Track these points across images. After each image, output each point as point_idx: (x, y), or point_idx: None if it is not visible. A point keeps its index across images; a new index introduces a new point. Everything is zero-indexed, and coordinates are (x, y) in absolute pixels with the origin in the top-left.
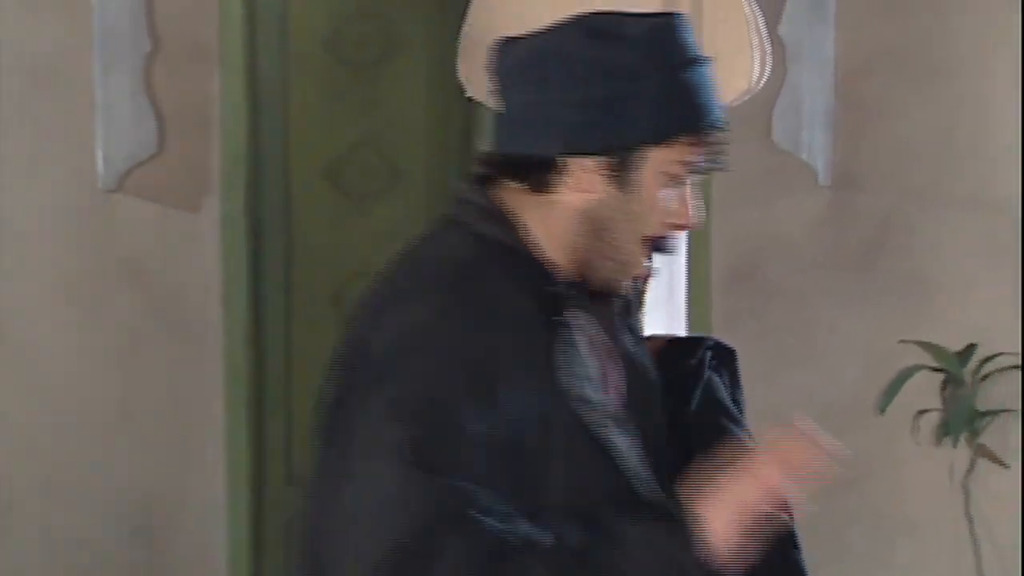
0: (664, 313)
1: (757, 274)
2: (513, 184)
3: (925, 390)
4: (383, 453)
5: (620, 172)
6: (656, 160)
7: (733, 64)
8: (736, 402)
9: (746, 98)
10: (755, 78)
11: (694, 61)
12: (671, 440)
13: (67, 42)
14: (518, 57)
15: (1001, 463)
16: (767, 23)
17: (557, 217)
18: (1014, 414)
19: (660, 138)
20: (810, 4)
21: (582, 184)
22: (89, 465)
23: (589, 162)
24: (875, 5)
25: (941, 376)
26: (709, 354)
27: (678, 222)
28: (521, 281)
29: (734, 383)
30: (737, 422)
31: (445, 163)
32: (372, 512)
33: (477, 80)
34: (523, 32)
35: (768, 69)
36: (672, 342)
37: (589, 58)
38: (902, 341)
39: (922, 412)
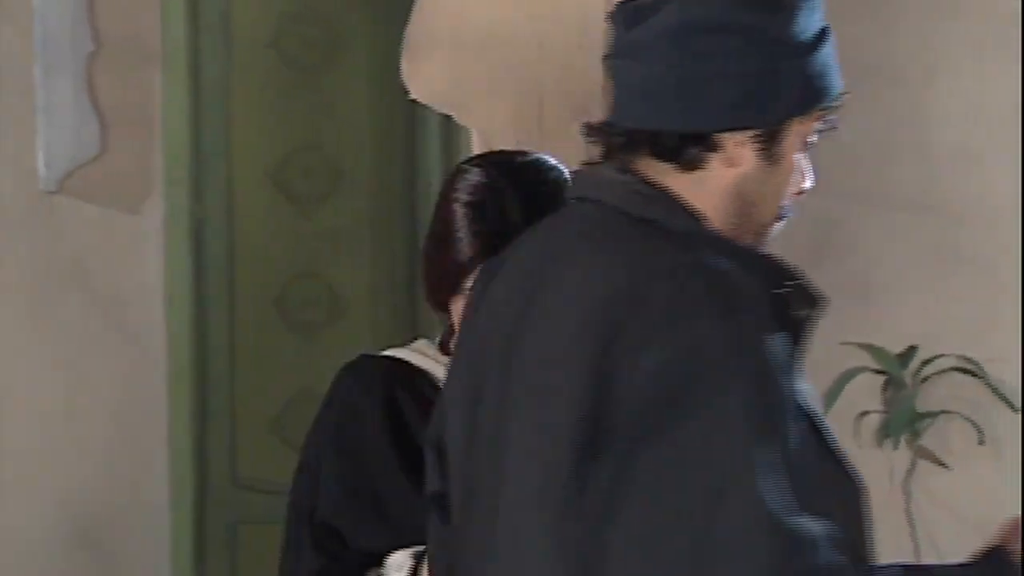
0: None
1: None
2: (657, 163)
3: (866, 392)
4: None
5: (769, 143)
6: (798, 129)
7: None
8: None
9: None
10: None
11: (827, 28)
12: None
13: (8, 44)
14: (660, 27)
15: (942, 464)
16: None
17: (708, 195)
18: (955, 416)
19: (810, 107)
20: None
21: (733, 159)
22: (31, 466)
23: (741, 135)
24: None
25: (882, 378)
26: None
27: (802, 188)
28: (753, 279)
29: None
30: None
31: (389, 165)
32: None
33: (421, 82)
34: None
35: None
36: None
37: (747, 28)
38: (843, 343)
39: (863, 414)
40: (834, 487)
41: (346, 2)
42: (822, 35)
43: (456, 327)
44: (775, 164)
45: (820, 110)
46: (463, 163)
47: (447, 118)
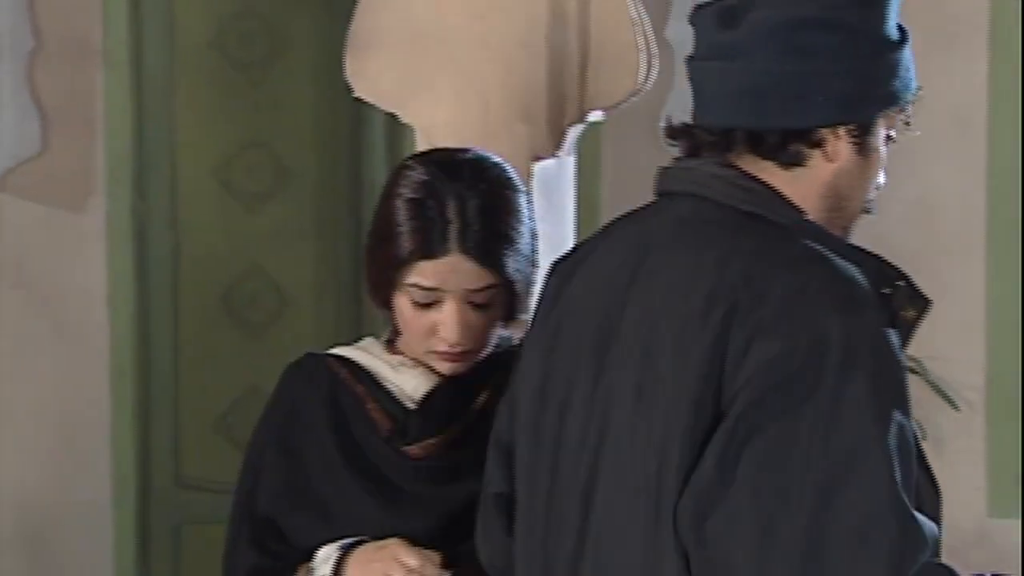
0: None
1: None
2: (756, 159)
3: None
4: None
5: (863, 137)
6: (884, 123)
7: (620, 65)
8: None
9: (633, 99)
10: (642, 79)
11: (903, 26)
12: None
13: None
14: (761, 26)
15: None
16: (654, 25)
17: (805, 190)
18: None
19: (898, 101)
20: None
21: (832, 154)
22: None
23: (842, 130)
24: None
25: None
26: None
27: (882, 183)
28: (864, 275)
29: None
30: None
31: (334, 163)
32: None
33: (365, 80)
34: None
35: (655, 71)
36: None
37: (846, 24)
38: None
39: None
40: (923, 489)
41: (289, 0)
42: (903, 32)
43: (399, 326)
44: (867, 158)
45: (904, 104)
46: (405, 160)
47: (392, 116)
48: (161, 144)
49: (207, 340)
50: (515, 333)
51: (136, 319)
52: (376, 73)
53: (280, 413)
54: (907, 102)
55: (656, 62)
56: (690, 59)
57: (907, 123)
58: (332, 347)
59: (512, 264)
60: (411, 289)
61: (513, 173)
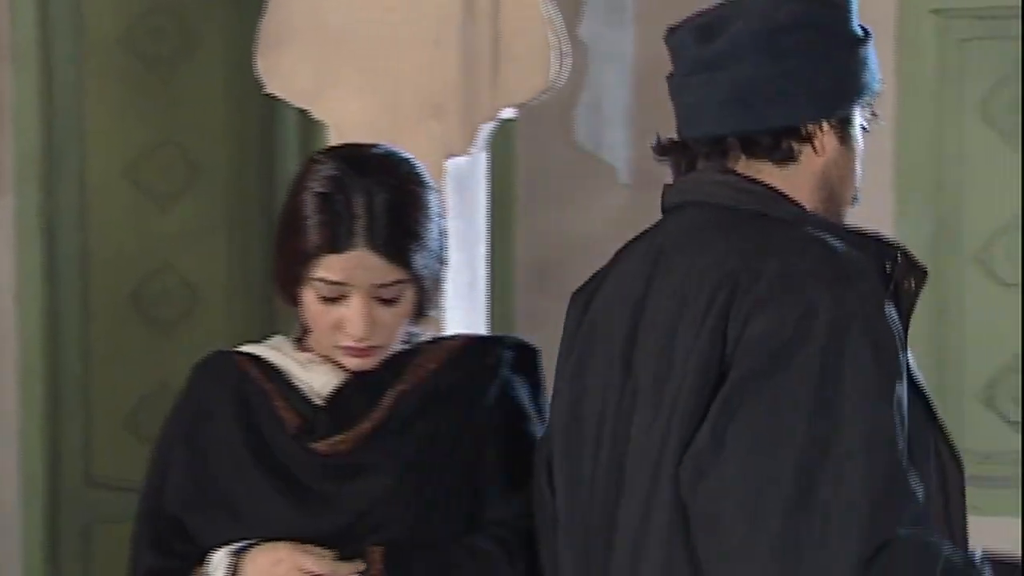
0: (465, 312)
1: (560, 273)
2: (752, 162)
3: None
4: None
5: (845, 128)
6: (860, 114)
7: (531, 63)
8: (536, 403)
9: (544, 97)
10: (553, 77)
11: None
12: (463, 440)
13: None
14: (744, 35)
15: None
16: (567, 23)
17: (800, 184)
18: None
19: (870, 91)
20: (608, 5)
21: (820, 147)
22: None
23: (826, 124)
24: (672, 6)
25: None
26: (509, 354)
27: (860, 173)
28: (862, 254)
29: (535, 383)
30: (532, 423)
31: (246, 160)
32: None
33: (276, 76)
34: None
35: (566, 68)
36: (472, 341)
37: (821, 24)
38: None
39: None
40: (936, 456)
41: None
42: (865, 29)
43: (306, 321)
44: (850, 148)
45: (873, 95)
46: (314, 155)
47: (304, 112)
48: (70, 141)
49: (117, 338)
50: (424, 330)
51: (45, 317)
52: (288, 69)
53: (187, 411)
54: (875, 93)
55: (568, 60)
56: (671, 78)
57: (874, 114)
58: (241, 345)
59: (420, 260)
60: (317, 283)
61: (423, 169)
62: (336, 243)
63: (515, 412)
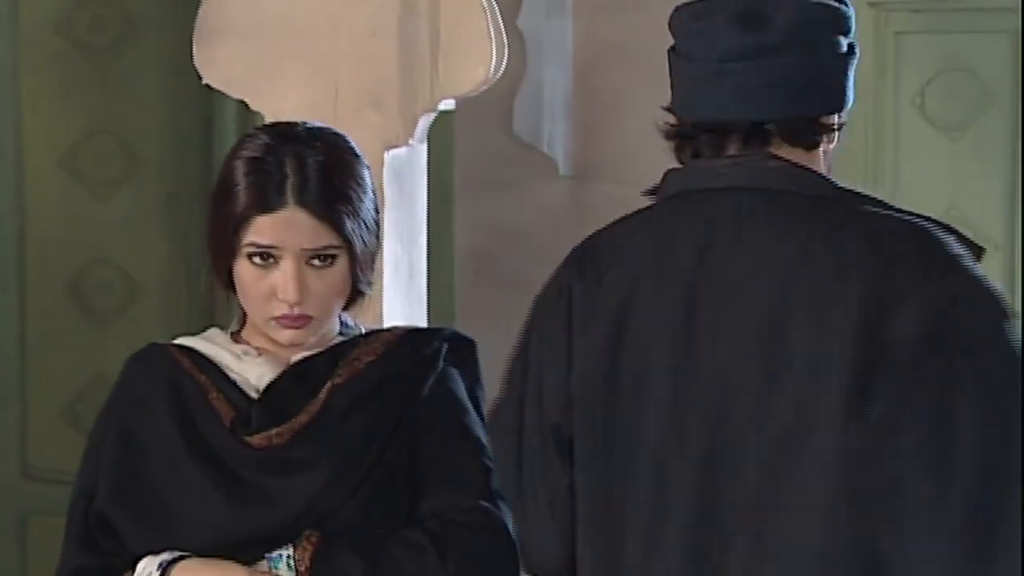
0: (404, 303)
1: (498, 264)
2: (787, 147)
3: None
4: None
5: (840, 124)
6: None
7: (470, 55)
8: (473, 395)
9: (483, 88)
10: (492, 69)
11: None
12: (400, 433)
13: None
14: (788, 27)
15: None
16: (506, 15)
17: (820, 171)
18: None
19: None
20: None
21: (833, 137)
22: None
23: (837, 116)
24: None
25: None
26: (446, 345)
27: None
28: None
29: (473, 376)
30: (469, 415)
31: (185, 150)
32: None
33: (214, 67)
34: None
35: (505, 60)
36: (410, 332)
37: (842, 21)
38: None
39: None
40: None
41: None
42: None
43: (241, 299)
44: (833, 143)
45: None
46: (250, 131)
47: (243, 103)
48: (5, 130)
49: (54, 328)
50: (360, 320)
51: None
52: (225, 60)
53: (121, 403)
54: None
55: (506, 52)
56: (717, 61)
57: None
58: (178, 337)
59: (351, 224)
60: (248, 248)
61: (356, 145)
62: (266, 202)
63: (452, 404)
